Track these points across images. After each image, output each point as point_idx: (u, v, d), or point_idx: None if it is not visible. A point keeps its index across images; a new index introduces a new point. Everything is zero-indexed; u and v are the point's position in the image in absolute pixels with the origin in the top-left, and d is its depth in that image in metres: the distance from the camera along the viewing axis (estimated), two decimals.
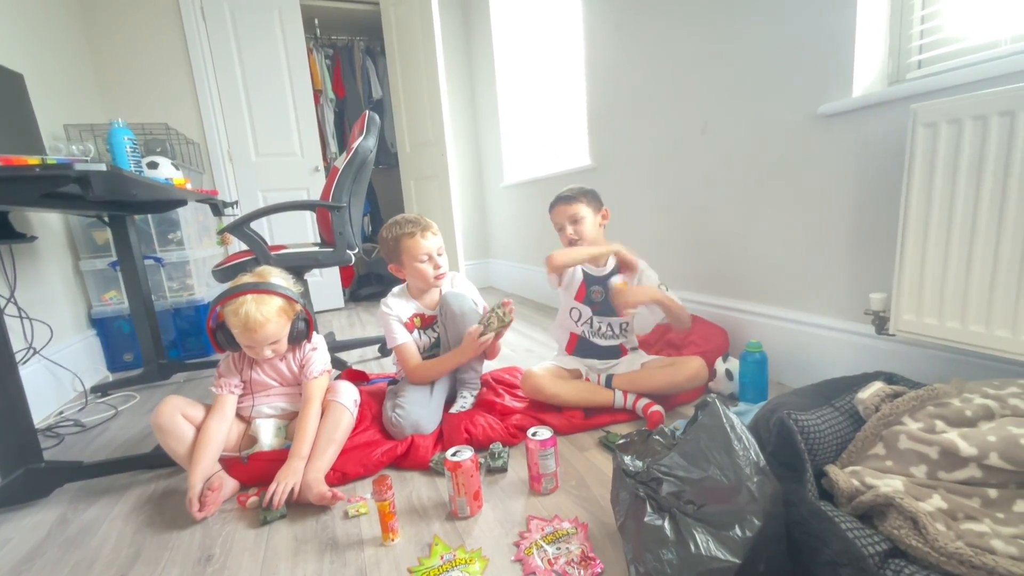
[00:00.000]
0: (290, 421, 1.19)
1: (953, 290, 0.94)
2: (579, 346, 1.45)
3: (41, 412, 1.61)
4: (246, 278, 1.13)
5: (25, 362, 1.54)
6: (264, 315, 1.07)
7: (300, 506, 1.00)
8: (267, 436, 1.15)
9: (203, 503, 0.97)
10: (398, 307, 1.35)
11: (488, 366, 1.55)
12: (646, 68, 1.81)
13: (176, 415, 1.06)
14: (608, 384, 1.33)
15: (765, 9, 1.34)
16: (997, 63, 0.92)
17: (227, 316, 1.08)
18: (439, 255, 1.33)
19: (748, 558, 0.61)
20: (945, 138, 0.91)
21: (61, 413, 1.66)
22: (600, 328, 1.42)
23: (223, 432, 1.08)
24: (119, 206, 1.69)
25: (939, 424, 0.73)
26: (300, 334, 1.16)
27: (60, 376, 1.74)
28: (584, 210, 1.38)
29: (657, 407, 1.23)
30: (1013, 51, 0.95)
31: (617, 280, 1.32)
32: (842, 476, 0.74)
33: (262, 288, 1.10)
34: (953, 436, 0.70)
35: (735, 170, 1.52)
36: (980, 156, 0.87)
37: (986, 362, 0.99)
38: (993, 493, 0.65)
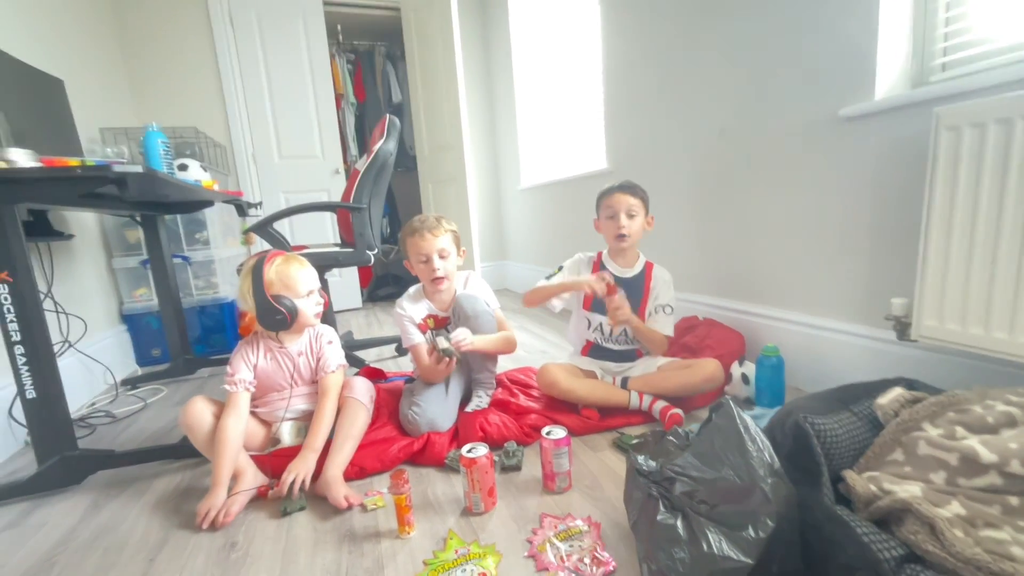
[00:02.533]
0: (310, 421, 1.22)
1: (976, 296, 0.92)
2: (593, 350, 1.45)
3: (75, 403, 1.67)
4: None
5: (61, 354, 1.61)
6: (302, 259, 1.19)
7: (319, 499, 1.03)
8: (288, 437, 1.18)
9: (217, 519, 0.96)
10: (411, 309, 1.37)
11: (503, 366, 1.56)
12: (663, 71, 1.82)
13: (205, 413, 1.08)
14: (624, 386, 1.33)
15: (786, 10, 1.33)
16: (1022, 66, 0.91)
17: (280, 269, 1.14)
18: (442, 258, 1.30)
19: (761, 559, 0.61)
20: (968, 142, 0.89)
21: (93, 404, 1.73)
22: (613, 332, 1.41)
23: (240, 431, 1.08)
24: (151, 206, 1.75)
25: (959, 431, 0.72)
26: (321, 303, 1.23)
27: (93, 369, 1.81)
28: (640, 207, 1.37)
29: (676, 410, 1.22)
30: None
31: (621, 297, 1.28)
32: (859, 481, 0.73)
33: (280, 251, 1.21)
34: (973, 443, 0.69)
35: (754, 173, 1.52)
36: (1004, 160, 0.85)
37: (1009, 369, 0.97)
38: (1014, 501, 0.64)
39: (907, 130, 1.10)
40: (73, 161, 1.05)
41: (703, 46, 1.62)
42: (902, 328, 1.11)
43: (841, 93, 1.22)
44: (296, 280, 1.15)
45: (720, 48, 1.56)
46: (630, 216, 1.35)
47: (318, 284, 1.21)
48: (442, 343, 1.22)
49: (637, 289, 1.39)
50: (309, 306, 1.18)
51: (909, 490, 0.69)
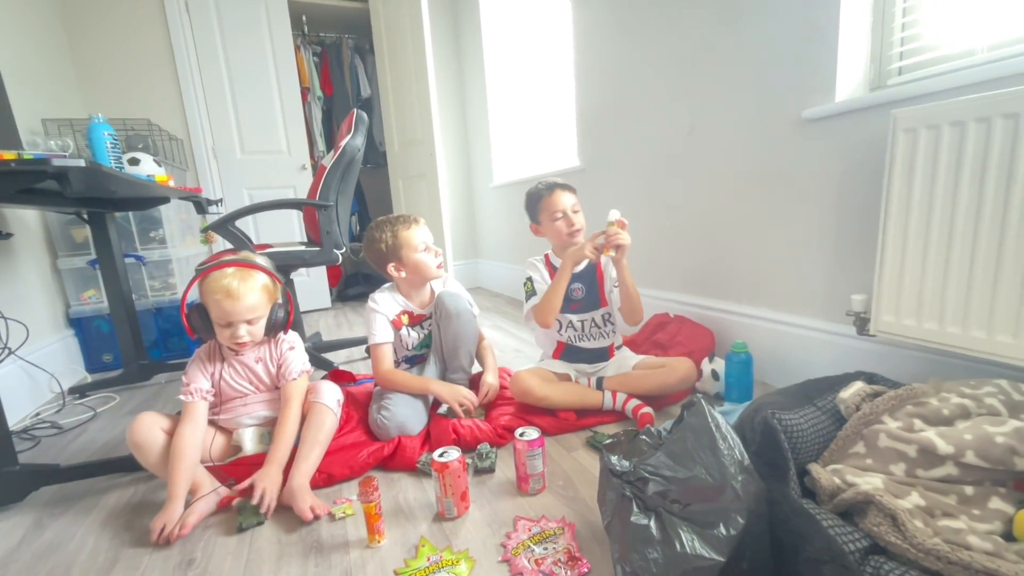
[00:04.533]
0: (273, 427, 1.17)
1: (931, 292, 0.96)
2: (566, 352, 1.44)
3: (16, 414, 1.57)
4: (229, 257, 1.11)
5: None
6: (247, 286, 1.04)
7: (285, 509, 0.98)
8: (250, 444, 1.12)
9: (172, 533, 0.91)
10: (385, 304, 1.33)
11: (477, 367, 1.54)
12: (635, 70, 1.83)
13: (154, 429, 1.02)
14: (599, 386, 1.33)
15: (752, 15, 1.36)
16: (974, 71, 0.95)
17: (207, 287, 1.02)
18: (434, 244, 1.34)
19: (732, 556, 0.62)
20: (924, 143, 0.93)
21: (37, 415, 1.62)
22: (584, 326, 1.41)
23: (197, 441, 1.02)
24: (99, 203, 1.65)
25: (917, 423, 0.75)
26: (279, 322, 1.11)
27: (36, 377, 1.69)
28: (577, 201, 1.37)
29: (647, 409, 1.23)
30: (989, 59, 0.98)
31: (616, 215, 1.24)
32: (824, 474, 0.75)
33: (246, 262, 1.07)
34: (931, 435, 0.71)
35: (721, 172, 1.54)
36: (958, 161, 0.89)
37: (963, 362, 1.02)
38: (969, 490, 0.67)
39: (866, 132, 1.13)
40: (8, 154, 0.97)
41: (674, 47, 1.64)
42: (861, 323, 1.15)
43: (803, 95, 1.25)
44: (223, 313, 1.03)
45: (689, 47, 1.58)
46: (575, 211, 1.35)
47: (255, 314, 1.06)
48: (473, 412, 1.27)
49: (590, 277, 1.40)
50: (230, 336, 1.06)
51: (871, 482, 0.71)
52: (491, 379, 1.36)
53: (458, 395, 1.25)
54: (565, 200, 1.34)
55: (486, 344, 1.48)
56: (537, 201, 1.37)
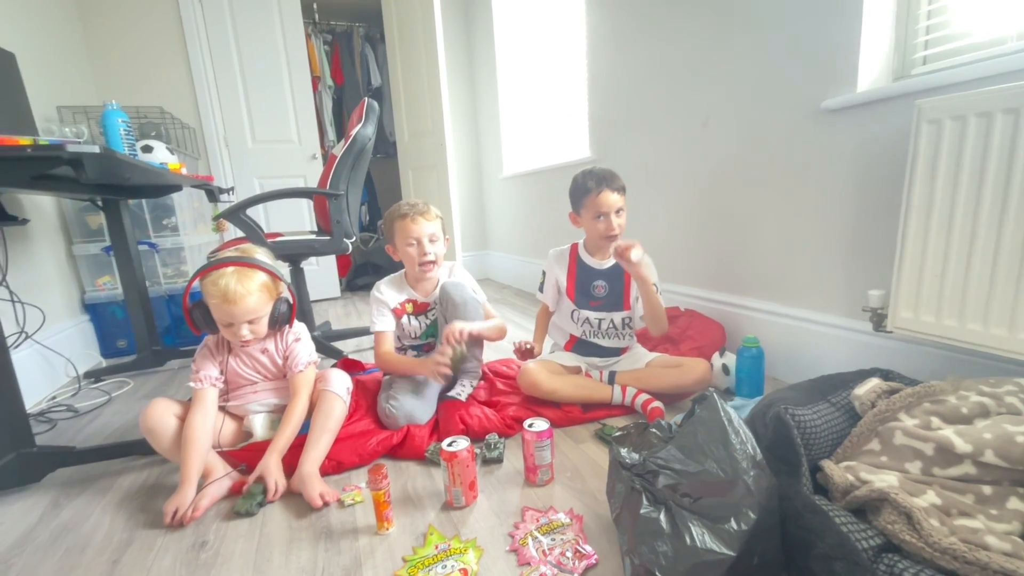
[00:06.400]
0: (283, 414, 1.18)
1: (952, 288, 0.94)
2: (578, 345, 1.43)
3: (33, 397, 1.60)
4: (229, 253, 1.10)
5: (17, 346, 1.53)
6: (245, 288, 1.02)
7: (295, 495, 0.99)
8: (261, 429, 1.13)
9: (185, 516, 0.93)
10: (389, 293, 1.35)
11: (486, 357, 1.54)
12: (649, 60, 1.80)
13: (167, 415, 1.03)
14: (611, 380, 1.32)
15: (771, 2, 1.32)
16: (1003, 60, 0.91)
17: (206, 288, 1.03)
18: (431, 242, 1.29)
19: (742, 551, 0.61)
20: (949, 135, 0.90)
21: (54, 398, 1.65)
22: (602, 325, 1.39)
23: (208, 427, 1.04)
24: (113, 190, 1.66)
25: (935, 421, 0.73)
26: (282, 317, 1.11)
27: (53, 361, 1.72)
28: (624, 200, 1.30)
29: (657, 403, 1.22)
30: (1019, 48, 0.94)
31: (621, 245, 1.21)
32: (837, 471, 0.74)
33: (245, 262, 1.06)
34: (949, 433, 0.70)
35: (736, 164, 1.52)
36: (983, 154, 0.86)
37: (982, 360, 0.99)
38: (987, 490, 0.65)
39: (888, 123, 1.10)
40: (24, 140, 0.98)
41: (687, 36, 1.61)
42: (878, 319, 1.13)
43: (824, 85, 1.22)
44: (222, 315, 1.04)
45: (704, 38, 1.54)
46: (618, 213, 1.30)
47: (255, 315, 1.06)
48: (458, 351, 1.21)
49: (617, 279, 1.37)
50: (232, 334, 1.07)
51: (886, 480, 0.70)
52: (459, 324, 1.23)
53: (431, 364, 1.20)
54: (612, 201, 1.28)
55: (493, 317, 1.41)
56: (583, 195, 1.31)
